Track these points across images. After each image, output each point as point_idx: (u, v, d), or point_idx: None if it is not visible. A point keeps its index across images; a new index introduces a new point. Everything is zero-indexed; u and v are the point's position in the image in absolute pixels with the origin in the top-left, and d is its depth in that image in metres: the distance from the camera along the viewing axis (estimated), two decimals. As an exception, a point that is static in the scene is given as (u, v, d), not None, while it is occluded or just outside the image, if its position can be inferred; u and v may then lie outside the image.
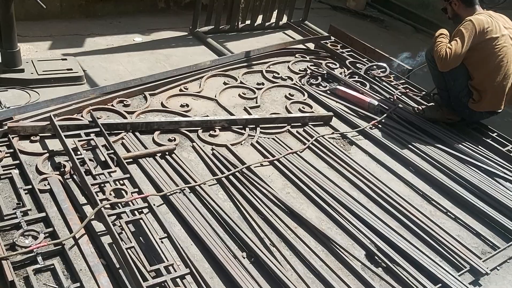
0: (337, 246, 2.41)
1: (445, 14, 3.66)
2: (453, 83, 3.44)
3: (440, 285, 2.27)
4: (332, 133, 3.36)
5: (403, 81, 4.16)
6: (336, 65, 4.30)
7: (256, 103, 3.56)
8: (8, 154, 2.59)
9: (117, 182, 2.44)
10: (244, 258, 2.24)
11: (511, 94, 3.43)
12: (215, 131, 3.13)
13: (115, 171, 2.52)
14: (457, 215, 2.80)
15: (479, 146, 3.45)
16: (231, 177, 2.74)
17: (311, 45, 4.67)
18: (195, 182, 2.63)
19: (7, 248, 2.05)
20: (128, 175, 2.47)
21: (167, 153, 2.83)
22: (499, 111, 3.49)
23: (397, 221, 2.67)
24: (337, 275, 2.25)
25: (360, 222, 2.59)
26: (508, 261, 2.51)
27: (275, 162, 2.95)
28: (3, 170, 2.46)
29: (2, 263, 1.94)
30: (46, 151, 2.67)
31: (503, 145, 3.48)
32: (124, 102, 3.24)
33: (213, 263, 2.20)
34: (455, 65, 3.28)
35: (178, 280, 2.01)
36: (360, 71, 4.21)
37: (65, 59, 3.55)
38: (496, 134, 3.60)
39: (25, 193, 2.34)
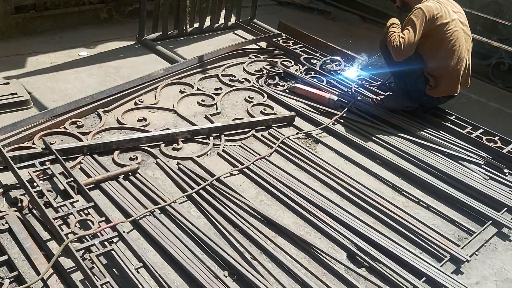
0: (318, 251, 2.36)
1: (393, 3, 3.70)
2: (409, 71, 3.47)
3: (424, 278, 2.27)
4: (297, 133, 3.31)
5: (359, 73, 4.16)
6: (291, 62, 4.25)
7: (217, 109, 3.46)
8: (-44, 195, 2.38)
9: (81, 213, 2.29)
10: (226, 277, 2.15)
11: (466, 77, 3.51)
12: (178, 144, 3.01)
13: (77, 200, 2.35)
14: (429, 204, 2.83)
15: (440, 131, 3.50)
16: (201, 191, 2.63)
17: (263, 44, 4.61)
18: (164, 201, 2.51)
19: (-32, 301, 1.87)
20: (92, 204, 2.31)
21: (130, 173, 2.69)
22: (456, 94, 3.56)
23: (373, 217, 2.66)
24: (322, 281, 2.21)
25: (337, 222, 2.55)
26: (485, 245, 2.56)
27: (245, 170, 2.87)
28: (-48, 214, 2.26)
29: (-36, 320, 1.77)
30: (-1, 186, 2.47)
31: (462, 127, 3.55)
32: (77, 123, 3.06)
33: (194, 287, 2.10)
34: (410, 54, 3.32)
35: (160, 311, 1.91)
36: (315, 67, 4.19)
37: (8, 83, 3.30)
38: (454, 117, 3.67)
39: (-19, 237, 2.15)
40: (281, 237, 2.44)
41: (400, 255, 2.37)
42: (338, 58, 4.27)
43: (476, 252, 2.50)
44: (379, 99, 3.73)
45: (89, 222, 2.23)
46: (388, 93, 3.86)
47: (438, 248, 2.46)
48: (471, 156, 3.23)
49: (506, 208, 2.80)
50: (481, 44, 4.59)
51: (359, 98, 3.75)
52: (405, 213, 2.68)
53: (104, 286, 1.92)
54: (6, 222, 2.24)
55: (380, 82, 4.03)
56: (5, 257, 2.07)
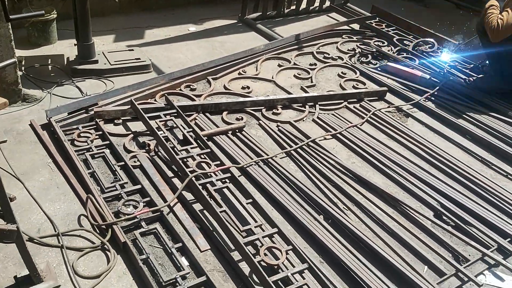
0: (407, 208, 2.57)
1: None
2: (505, 53, 3.51)
3: (510, 239, 2.40)
4: (388, 106, 3.50)
5: (452, 55, 4.23)
6: (383, 43, 4.41)
7: (311, 82, 3.74)
8: (97, 136, 2.84)
9: (199, 157, 2.66)
10: (322, 220, 2.43)
11: None
12: (277, 110, 3.32)
13: (196, 147, 2.74)
14: (518, 178, 2.92)
15: (534, 113, 3.53)
16: (299, 150, 2.92)
17: (356, 26, 4.79)
18: (267, 155, 2.82)
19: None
20: (208, 150, 2.69)
21: (237, 130, 3.03)
22: (554, 79, 3.55)
23: (461, 184, 2.80)
24: (410, 232, 2.41)
25: (426, 185, 2.73)
26: None
27: (338, 135, 3.12)
28: (97, 150, 2.72)
29: (113, 227, 2.18)
30: (129, 132, 2.91)
31: (557, 111, 3.55)
32: (191, 86, 3.47)
33: (294, 225, 2.40)
34: (507, 35, 3.36)
35: (266, 238, 2.22)
36: (408, 48, 4.31)
37: (132, 50, 3.79)
38: (550, 101, 3.67)
39: (119, 169, 2.59)
40: (371, 194, 2.66)
41: (486, 217, 2.51)
42: (432, 40, 4.36)
43: None
44: (472, 80, 3.79)
45: (204, 164, 2.60)
46: (480, 75, 3.90)
47: (525, 215, 2.57)
48: None
49: None
50: None
51: (451, 78, 3.84)
52: (493, 183, 2.80)
53: (222, 213, 2.26)
54: (138, 160, 2.67)
55: (472, 65, 4.08)
56: (138, 186, 2.49)
